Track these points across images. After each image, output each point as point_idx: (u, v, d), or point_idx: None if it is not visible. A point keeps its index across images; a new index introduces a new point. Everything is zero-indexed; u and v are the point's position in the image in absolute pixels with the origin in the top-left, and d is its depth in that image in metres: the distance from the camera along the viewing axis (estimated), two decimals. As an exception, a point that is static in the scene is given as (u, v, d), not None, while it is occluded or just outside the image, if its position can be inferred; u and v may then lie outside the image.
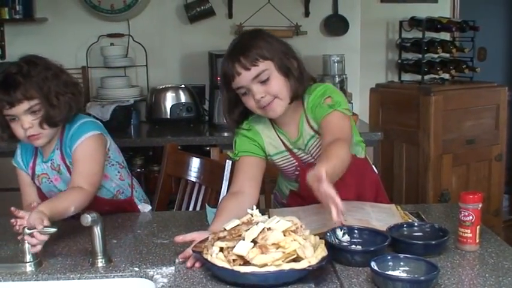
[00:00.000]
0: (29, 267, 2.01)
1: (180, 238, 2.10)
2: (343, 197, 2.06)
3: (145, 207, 2.80)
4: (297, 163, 2.45)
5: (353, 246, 2.04)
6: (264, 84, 2.27)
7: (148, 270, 1.98)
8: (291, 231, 1.84)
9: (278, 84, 2.29)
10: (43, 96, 2.38)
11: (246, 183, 2.38)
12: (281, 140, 2.45)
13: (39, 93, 2.37)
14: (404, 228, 2.15)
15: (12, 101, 2.34)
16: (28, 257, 2.01)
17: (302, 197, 2.48)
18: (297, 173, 2.47)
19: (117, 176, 2.68)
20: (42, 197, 2.58)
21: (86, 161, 2.45)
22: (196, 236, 2.08)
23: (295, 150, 2.45)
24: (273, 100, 2.30)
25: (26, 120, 2.38)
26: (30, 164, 2.58)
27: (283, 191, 2.65)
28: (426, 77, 4.96)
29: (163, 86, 4.74)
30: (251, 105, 2.33)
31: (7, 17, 4.78)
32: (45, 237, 2.02)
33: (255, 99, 2.29)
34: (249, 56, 2.25)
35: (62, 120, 2.46)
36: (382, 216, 2.27)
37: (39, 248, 2.02)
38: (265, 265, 1.75)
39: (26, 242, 2.00)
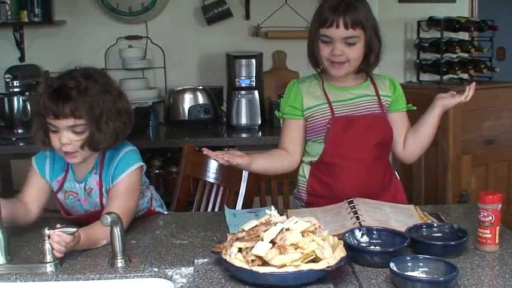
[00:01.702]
0: (49, 268, 2.02)
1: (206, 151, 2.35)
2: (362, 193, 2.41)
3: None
4: (330, 116, 2.54)
5: (372, 247, 2.04)
6: (347, 46, 2.47)
7: (167, 270, 1.99)
8: (310, 231, 1.84)
9: (357, 54, 2.50)
10: (92, 118, 2.28)
11: (289, 143, 2.64)
12: (325, 93, 2.59)
13: (89, 115, 2.27)
14: (424, 229, 2.15)
15: (59, 113, 2.25)
16: (48, 258, 2.02)
17: (326, 165, 2.57)
18: (328, 126, 2.53)
19: (140, 196, 2.59)
20: (62, 209, 2.55)
21: (125, 197, 2.38)
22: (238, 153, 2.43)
23: (334, 104, 2.56)
24: (344, 63, 2.50)
25: (66, 136, 2.29)
26: (58, 178, 2.49)
27: (304, 173, 2.66)
28: (445, 77, 4.94)
29: (181, 88, 4.75)
30: (324, 53, 2.51)
31: (26, 20, 4.81)
32: (67, 237, 2.02)
33: (332, 52, 2.48)
34: (355, 18, 2.44)
35: (105, 147, 2.38)
36: (401, 217, 2.27)
37: (63, 250, 2.03)
38: (283, 266, 1.75)
39: (47, 242, 2.00)
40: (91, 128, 2.30)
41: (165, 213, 2.72)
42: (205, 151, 2.35)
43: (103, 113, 2.31)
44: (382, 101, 2.59)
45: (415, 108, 2.67)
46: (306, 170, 2.65)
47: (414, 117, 2.65)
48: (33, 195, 2.46)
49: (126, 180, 2.40)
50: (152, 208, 2.68)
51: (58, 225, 2.04)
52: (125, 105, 2.43)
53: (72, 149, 2.31)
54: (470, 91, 2.47)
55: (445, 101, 2.54)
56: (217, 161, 2.39)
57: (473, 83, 2.49)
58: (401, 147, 2.65)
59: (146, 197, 2.63)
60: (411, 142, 2.62)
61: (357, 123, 2.54)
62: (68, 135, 2.29)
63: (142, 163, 2.47)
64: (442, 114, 2.58)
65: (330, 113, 2.54)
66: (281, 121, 2.70)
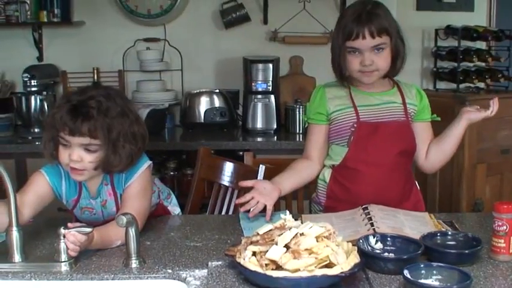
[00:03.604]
0: (64, 267, 2.02)
1: (243, 183, 2.56)
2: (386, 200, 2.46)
3: (175, 209, 2.81)
4: (355, 119, 2.56)
5: (386, 253, 2.04)
6: (376, 54, 2.50)
7: (181, 272, 2.00)
8: (324, 237, 1.85)
9: (386, 60, 2.53)
10: (108, 140, 2.25)
11: (314, 149, 2.70)
12: (351, 97, 2.61)
13: (106, 136, 2.23)
14: (438, 237, 2.14)
15: (75, 130, 2.20)
16: (63, 257, 2.02)
17: (348, 169, 2.60)
18: (352, 129, 2.57)
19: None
20: (77, 221, 2.51)
21: (139, 197, 2.38)
22: (257, 183, 2.53)
23: (359, 108, 2.59)
24: (373, 71, 2.52)
25: (76, 152, 2.25)
26: (73, 198, 2.46)
27: (325, 176, 2.69)
28: (461, 86, 4.93)
29: (198, 91, 4.77)
30: (353, 65, 2.54)
31: (45, 20, 4.85)
32: (82, 237, 2.03)
33: (362, 63, 2.51)
34: (379, 26, 2.47)
35: (119, 170, 2.36)
36: (415, 225, 2.27)
37: (78, 249, 2.03)
38: (297, 270, 1.75)
39: (62, 242, 2.01)
40: (106, 149, 2.27)
41: (175, 212, 2.78)
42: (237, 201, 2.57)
43: (120, 136, 2.28)
44: (408, 109, 2.61)
45: (439, 119, 2.68)
46: (326, 174, 2.68)
47: (434, 128, 2.69)
48: (31, 201, 2.33)
49: (138, 181, 2.40)
50: (161, 202, 2.71)
51: (70, 225, 2.03)
52: (141, 130, 2.38)
53: (81, 167, 2.28)
54: (494, 105, 2.50)
55: (471, 115, 2.56)
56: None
57: (496, 98, 2.52)
58: (423, 158, 2.67)
59: (154, 192, 2.63)
60: (434, 153, 2.65)
61: (382, 130, 2.56)
62: (79, 153, 2.25)
63: (150, 161, 2.47)
64: (467, 127, 2.61)
65: (355, 117, 2.57)
66: (306, 125, 2.74)
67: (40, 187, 2.39)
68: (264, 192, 2.50)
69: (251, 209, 2.47)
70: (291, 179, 2.65)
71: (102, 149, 2.27)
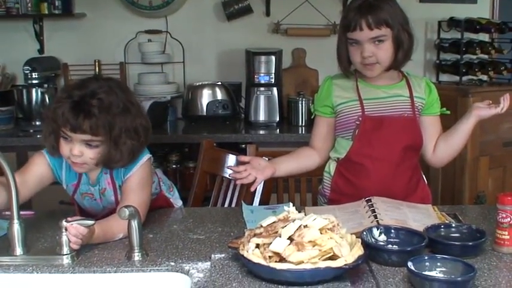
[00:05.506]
0: (66, 260, 2.02)
1: (241, 157, 2.59)
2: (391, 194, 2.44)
3: (177, 202, 2.79)
4: (360, 113, 2.54)
5: (389, 246, 2.04)
6: (375, 46, 2.47)
7: (184, 265, 1.99)
8: (328, 229, 1.84)
9: (386, 52, 2.49)
10: (110, 136, 2.24)
11: (318, 140, 2.71)
12: (357, 90, 2.59)
13: (108, 133, 2.23)
14: (442, 229, 2.14)
15: (77, 127, 2.20)
16: (65, 250, 2.02)
17: (352, 163, 2.59)
18: (357, 123, 2.55)
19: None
20: (79, 209, 2.56)
21: (139, 190, 2.37)
22: (253, 159, 2.55)
23: (365, 101, 2.56)
24: (375, 63, 2.50)
25: (78, 148, 2.25)
26: (73, 183, 2.46)
27: (330, 169, 2.69)
28: (464, 78, 4.91)
29: (200, 83, 4.77)
30: (355, 57, 2.52)
31: (46, 12, 4.85)
32: (83, 230, 2.02)
33: (362, 55, 2.48)
34: (377, 18, 2.44)
35: (121, 166, 2.35)
36: (419, 217, 2.26)
37: (80, 242, 2.03)
38: (301, 262, 1.75)
39: (64, 234, 2.00)
40: (107, 146, 2.27)
41: (177, 204, 2.77)
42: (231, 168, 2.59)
43: (122, 132, 2.28)
44: (415, 103, 2.58)
45: (448, 112, 2.67)
46: (332, 167, 2.67)
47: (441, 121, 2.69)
48: (30, 181, 2.36)
49: (137, 173, 2.39)
50: (162, 192, 2.69)
51: (69, 219, 2.02)
52: (143, 122, 2.37)
53: (82, 161, 2.28)
54: (505, 102, 2.48)
55: (481, 112, 2.56)
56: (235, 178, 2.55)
57: (507, 94, 2.50)
58: (431, 152, 2.66)
59: (154, 182, 2.61)
60: (442, 148, 2.64)
61: (387, 124, 2.53)
62: (80, 148, 2.26)
63: (150, 155, 2.46)
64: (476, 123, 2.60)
65: (360, 110, 2.55)
66: (313, 116, 2.74)
67: (40, 167, 2.41)
68: (258, 167, 2.52)
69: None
70: (289, 163, 2.67)
71: (103, 145, 2.27)
